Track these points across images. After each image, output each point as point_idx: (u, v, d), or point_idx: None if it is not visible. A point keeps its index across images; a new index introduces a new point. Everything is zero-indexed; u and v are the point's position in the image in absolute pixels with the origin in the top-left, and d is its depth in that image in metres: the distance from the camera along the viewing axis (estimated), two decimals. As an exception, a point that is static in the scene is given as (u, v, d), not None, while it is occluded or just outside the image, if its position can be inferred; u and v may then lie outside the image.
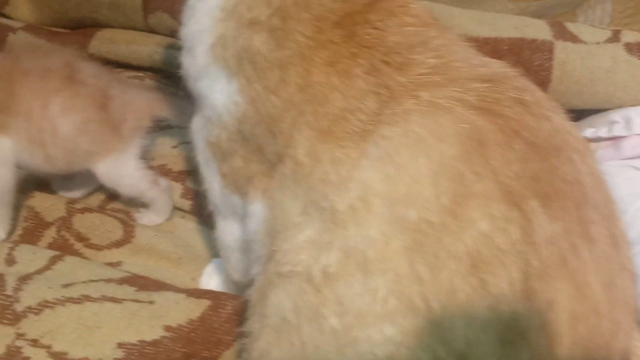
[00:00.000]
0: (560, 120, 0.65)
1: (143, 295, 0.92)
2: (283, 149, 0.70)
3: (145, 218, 1.11)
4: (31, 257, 0.98)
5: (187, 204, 1.13)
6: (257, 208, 0.76)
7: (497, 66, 0.69)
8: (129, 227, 1.08)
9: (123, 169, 1.06)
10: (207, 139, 0.80)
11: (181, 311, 0.91)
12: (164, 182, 1.11)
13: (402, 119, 0.62)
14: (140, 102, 1.09)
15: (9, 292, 0.89)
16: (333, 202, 0.62)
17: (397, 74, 0.66)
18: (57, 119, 1.00)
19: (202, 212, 1.10)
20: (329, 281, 0.61)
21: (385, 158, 0.61)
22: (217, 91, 0.76)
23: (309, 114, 0.68)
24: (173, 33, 1.28)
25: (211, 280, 1.02)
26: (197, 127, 0.83)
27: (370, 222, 0.60)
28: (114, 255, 1.05)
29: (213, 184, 0.84)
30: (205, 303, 0.93)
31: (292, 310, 0.63)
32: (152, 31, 1.32)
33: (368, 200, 0.60)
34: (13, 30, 1.42)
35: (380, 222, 0.59)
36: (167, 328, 0.89)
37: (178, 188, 1.13)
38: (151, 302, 0.91)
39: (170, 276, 1.02)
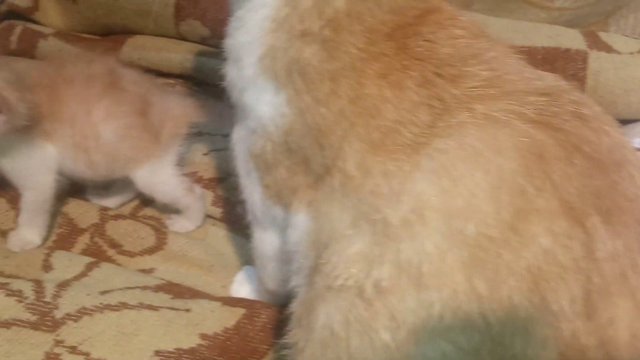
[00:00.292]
0: (617, 134, 0.64)
1: (179, 303, 0.91)
2: (331, 161, 0.69)
3: (177, 224, 1.10)
4: (67, 263, 0.97)
5: (217, 211, 1.12)
6: (301, 219, 0.74)
7: (552, 79, 0.67)
8: (161, 234, 1.07)
9: (160, 176, 1.06)
10: (251, 150, 0.79)
11: (217, 319, 0.90)
12: (198, 189, 1.10)
13: (457, 131, 0.61)
14: (179, 109, 1.08)
15: (48, 298, 0.88)
16: (385, 215, 0.61)
17: (450, 86, 0.65)
18: (101, 124, 1.00)
19: (232, 219, 1.10)
20: (382, 295, 0.59)
21: (441, 171, 0.59)
22: (264, 103, 0.74)
23: (360, 126, 0.67)
24: (204, 40, 1.29)
25: (242, 288, 1.01)
26: (239, 138, 0.82)
27: (425, 236, 0.58)
28: (147, 262, 1.04)
29: (254, 194, 0.83)
30: (240, 311, 0.92)
31: (341, 324, 0.62)
32: (182, 38, 1.31)
33: (423, 213, 0.59)
34: (44, 36, 1.42)
35: (436, 236, 0.58)
36: (203, 336, 0.88)
37: (209, 195, 1.12)
38: (187, 310, 0.90)
39: (202, 283, 1.01)
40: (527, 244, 0.55)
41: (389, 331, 0.59)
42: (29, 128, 0.95)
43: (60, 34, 1.42)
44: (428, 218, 0.58)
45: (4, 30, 1.47)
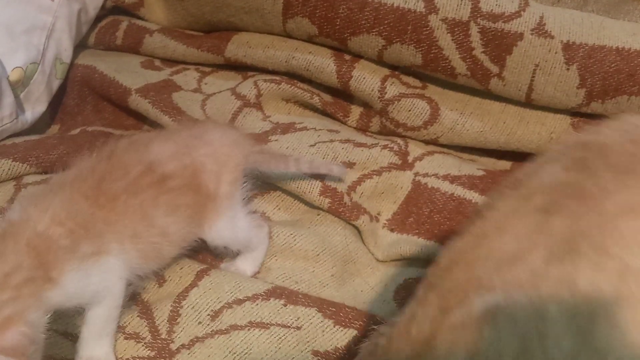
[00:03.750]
0: None
1: (290, 317, 0.86)
2: None
3: (233, 268, 0.96)
4: (179, 272, 0.92)
5: (325, 201, 1.04)
6: None
7: None
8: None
9: (231, 228, 0.93)
10: None
11: (328, 339, 0.85)
12: (266, 226, 0.99)
13: None
14: (227, 144, 0.94)
15: (163, 336, 0.84)
16: None
17: None
18: (168, 226, 0.85)
19: (340, 209, 1.03)
20: None
21: None
22: None
23: None
24: (311, 38, 1.20)
25: None
26: None
27: None
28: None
29: None
30: (352, 333, 0.86)
31: None
32: (288, 36, 1.23)
33: None
34: (150, 32, 1.35)
35: None
36: (316, 353, 0.83)
37: (317, 186, 1.04)
38: (298, 328, 0.85)
39: (308, 276, 0.95)
40: None
41: None
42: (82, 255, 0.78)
43: (165, 30, 1.35)
44: None
45: (110, 26, 1.41)
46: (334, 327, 0.85)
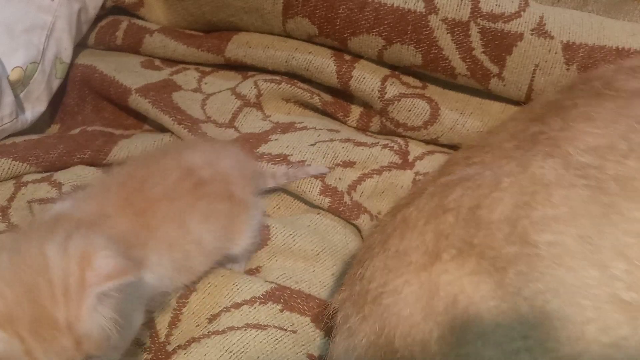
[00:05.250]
0: None
1: (286, 321, 0.85)
2: None
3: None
4: None
5: (325, 201, 1.03)
6: None
7: None
8: (263, 229, 0.99)
9: (253, 239, 0.92)
10: None
11: (318, 347, 0.85)
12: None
13: None
14: (243, 159, 0.97)
15: (162, 339, 0.83)
16: None
17: None
18: (202, 235, 0.83)
19: (340, 209, 1.02)
20: None
21: None
22: None
23: None
24: (310, 38, 1.20)
25: None
26: None
27: None
28: (252, 260, 0.96)
29: None
30: None
31: None
32: (288, 36, 1.22)
33: None
34: (150, 32, 1.34)
35: None
36: (311, 357, 0.83)
37: (317, 185, 1.04)
38: (294, 332, 0.84)
39: (309, 276, 0.94)
40: None
41: None
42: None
43: (165, 30, 1.34)
44: None
45: (110, 26, 1.40)
46: (325, 338, 0.85)
